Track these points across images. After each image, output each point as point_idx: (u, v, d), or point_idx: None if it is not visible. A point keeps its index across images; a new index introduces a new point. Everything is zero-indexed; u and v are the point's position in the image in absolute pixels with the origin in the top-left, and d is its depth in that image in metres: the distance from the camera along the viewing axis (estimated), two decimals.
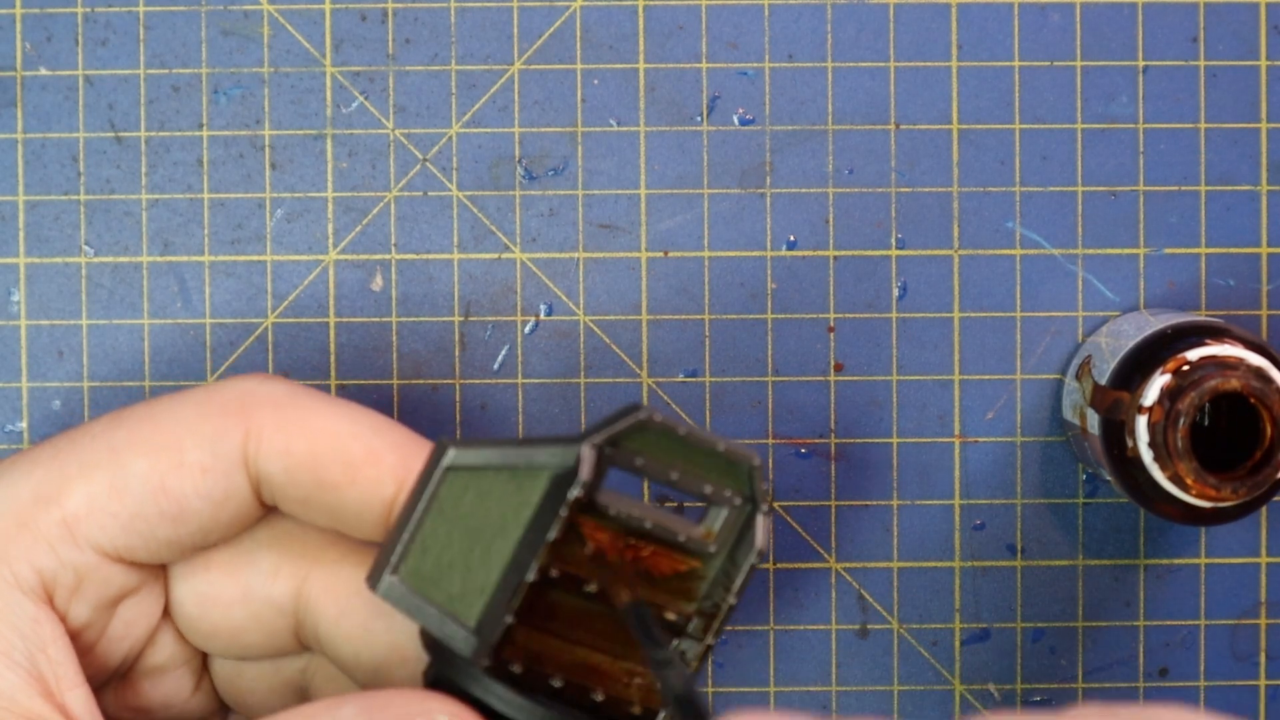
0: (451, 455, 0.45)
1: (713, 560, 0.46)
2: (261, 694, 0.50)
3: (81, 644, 0.47)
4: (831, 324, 0.61)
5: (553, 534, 0.44)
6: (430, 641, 0.46)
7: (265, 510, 0.48)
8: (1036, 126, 0.61)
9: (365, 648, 0.48)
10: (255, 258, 0.61)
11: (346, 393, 0.61)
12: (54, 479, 0.46)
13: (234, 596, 0.48)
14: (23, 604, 0.46)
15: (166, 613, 0.49)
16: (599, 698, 0.44)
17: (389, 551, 0.45)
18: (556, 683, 0.44)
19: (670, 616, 0.45)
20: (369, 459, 0.47)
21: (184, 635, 0.49)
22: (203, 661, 0.50)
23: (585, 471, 0.44)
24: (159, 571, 0.49)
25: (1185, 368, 0.54)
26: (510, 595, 0.44)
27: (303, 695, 0.50)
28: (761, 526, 0.45)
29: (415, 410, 0.61)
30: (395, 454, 0.47)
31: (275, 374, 0.49)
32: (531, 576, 0.44)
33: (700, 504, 0.46)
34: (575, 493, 0.43)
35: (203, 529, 0.47)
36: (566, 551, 0.44)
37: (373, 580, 0.45)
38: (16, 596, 0.46)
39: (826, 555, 0.61)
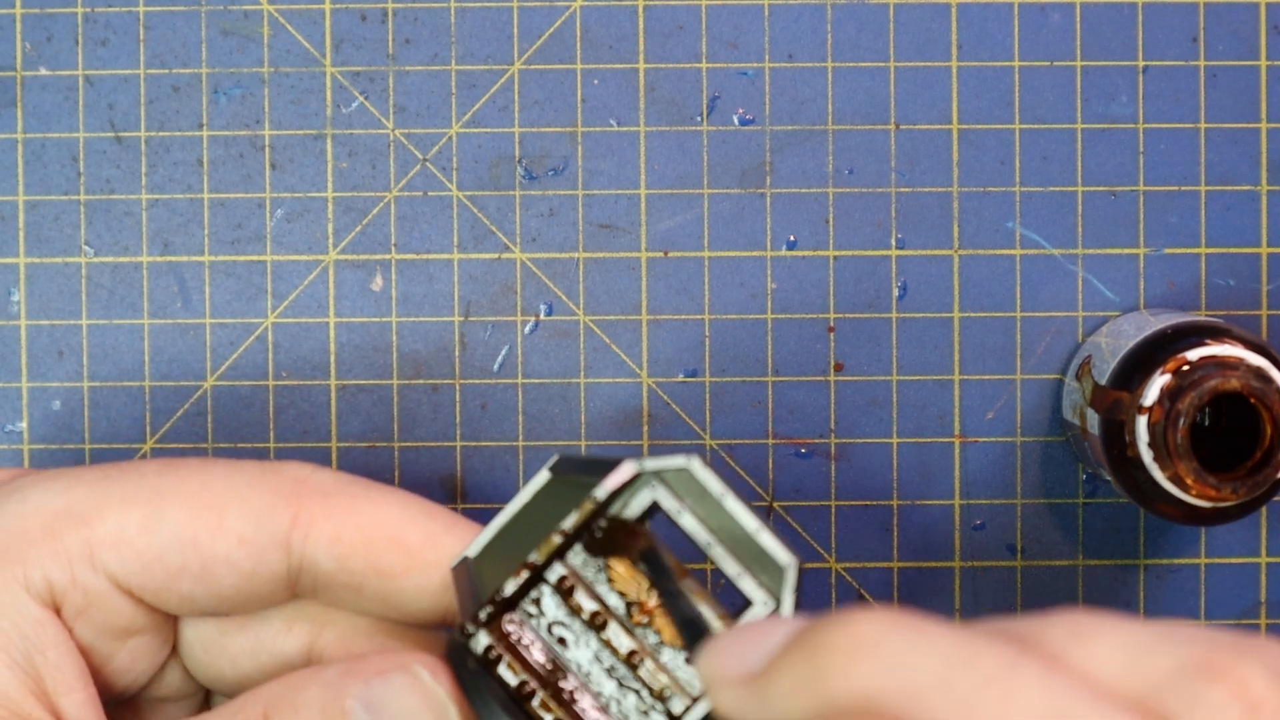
0: (554, 459, 0.45)
1: None
2: None
3: (86, 665, 0.47)
4: (831, 324, 0.61)
5: (566, 527, 0.44)
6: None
7: (290, 598, 0.48)
8: (1036, 126, 0.61)
9: None
10: (255, 258, 0.61)
11: (347, 392, 0.61)
12: (93, 500, 0.46)
13: (243, 648, 0.48)
14: (29, 605, 0.46)
15: (176, 651, 0.49)
16: None
17: (479, 535, 0.46)
18: (538, 706, 0.45)
19: (662, 686, 0.45)
20: (427, 544, 0.46)
21: (191, 673, 0.49)
22: (206, 697, 0.50)
23: (611, 480, 0.44)
24: (170, 617, 0.48)
25: (1185, 368, 0.54)
26: (510, 570, 0.44)
27: None
28: None
29: (415, 410, 0.61)
30: (451, 536, 0.46)
31: (324, 466, 0.49)
32: (537, 559, 0.44)
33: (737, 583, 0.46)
34: (595, 493, 0.44)
35: (220, 596, 0.47)
36: (585, 570, 0.45)
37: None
38: (23, 597, 0.46)
39: (826, 555, 0.61)
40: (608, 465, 0.45)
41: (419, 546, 0.46)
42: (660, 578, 0.44)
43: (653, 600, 0.45)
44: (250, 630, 0.48)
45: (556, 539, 0.44)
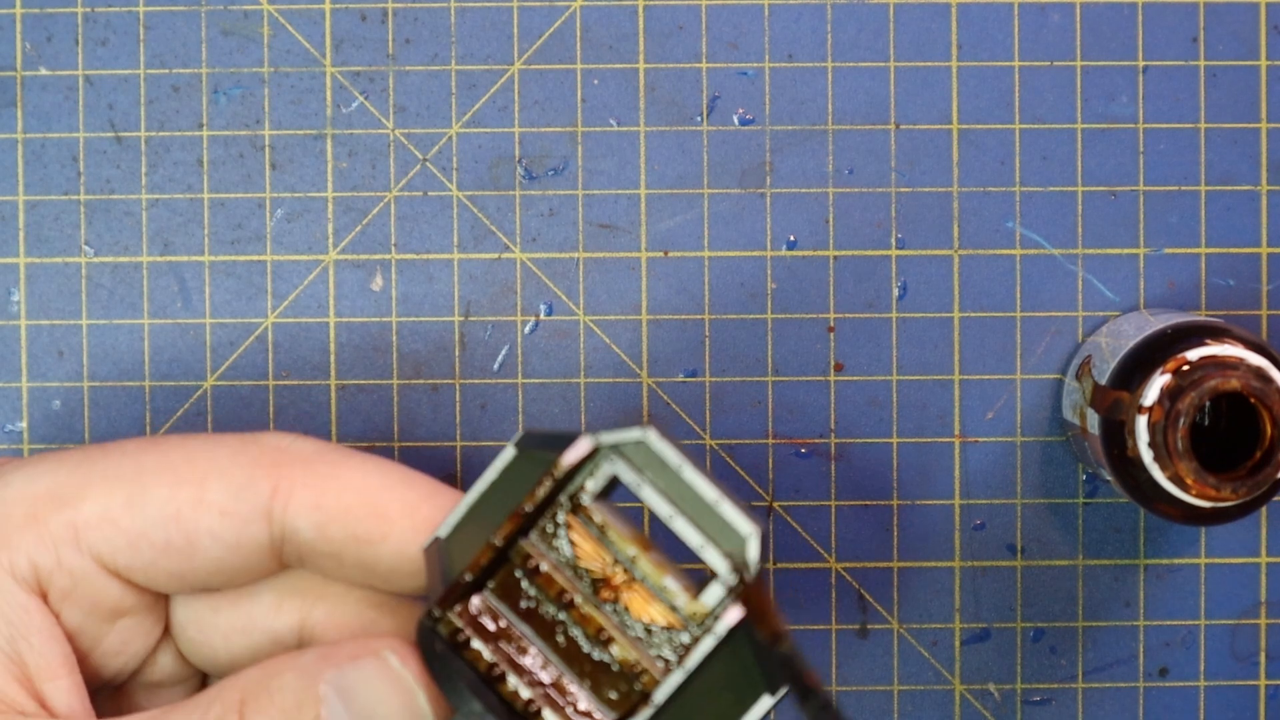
0: (519, 434, 0.46)
1: (692, 629, 0.45)
2: None
3: (74, 649, 0.47)
4: (831, 324, 0.61)
5: (527, 506, 0.44)
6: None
7: (278, 568, 0.48)
8: (1036, 126, 0.61)
9: None
10: (255, 258, 0.61)
11: (347, 392, 0.61)
12: (75, 482, 0.46)
13: (235, 626, 0.48)
14: (14, 591, 0.46)
15: (168, 632, 0.49)
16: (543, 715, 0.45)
17: (450, 514, 0.46)
18: (508, 686, 0.45)
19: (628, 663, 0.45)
20: (404, 511, 0.46)
21: (184, 655, 0.49)
22: (201, 681, 0.50)
23: (569, 455, 0.44)
24: (160, 596, 0.48)
25: (1185, 368, 0.54)
26: (474, 554, 0.44)
27: None
28: (734, 608, 0.44)
29: (415, 410, 0.61)
30: (429, 505, 0.46)
31: (308, 433, 0.49)
32: (498, 541, 0.44)
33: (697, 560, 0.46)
34: (553, 471, 0.44)
35: (207, 570, 0.47)
36: (550, 548, 0.45)
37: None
38: (8, 583, 0.46)
39: (826, 555, 0.61)
40: (569, 440, 0.45)
41: (397, 514, 0.46)
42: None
43: (619, 576, 0.45)
44: (242, 607, 0.48)
45: (516, 519, 0.45)
